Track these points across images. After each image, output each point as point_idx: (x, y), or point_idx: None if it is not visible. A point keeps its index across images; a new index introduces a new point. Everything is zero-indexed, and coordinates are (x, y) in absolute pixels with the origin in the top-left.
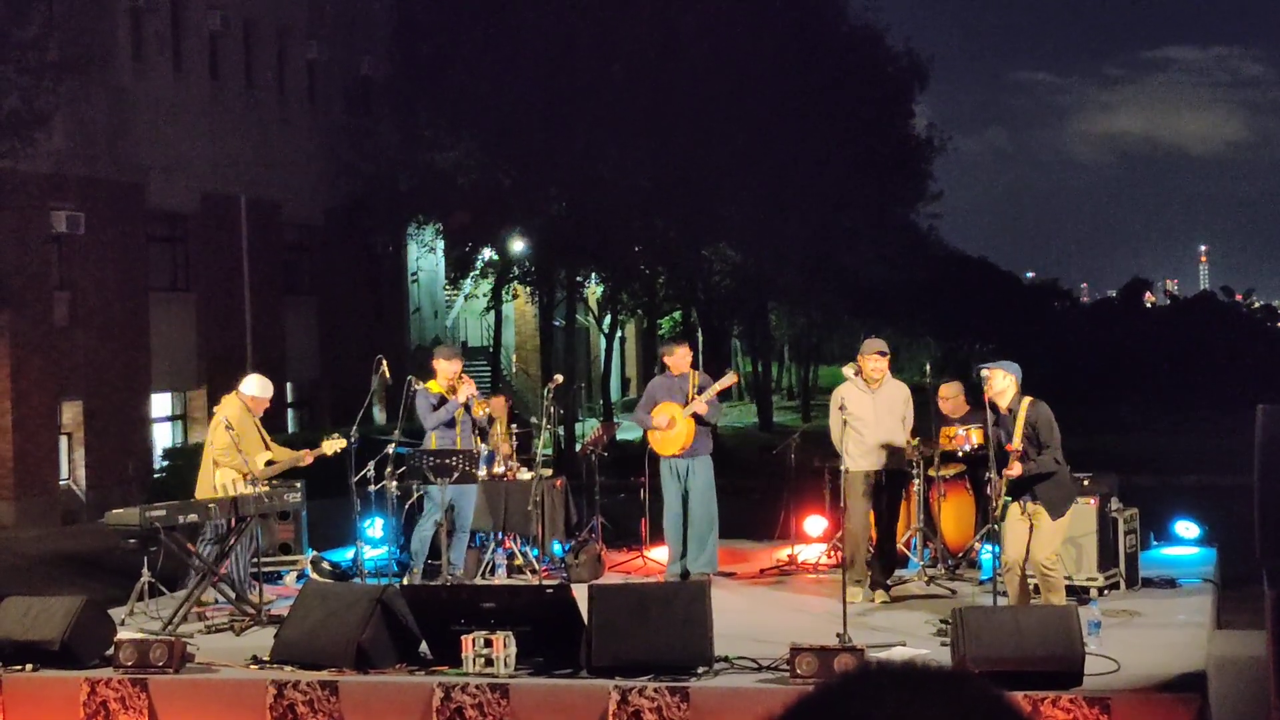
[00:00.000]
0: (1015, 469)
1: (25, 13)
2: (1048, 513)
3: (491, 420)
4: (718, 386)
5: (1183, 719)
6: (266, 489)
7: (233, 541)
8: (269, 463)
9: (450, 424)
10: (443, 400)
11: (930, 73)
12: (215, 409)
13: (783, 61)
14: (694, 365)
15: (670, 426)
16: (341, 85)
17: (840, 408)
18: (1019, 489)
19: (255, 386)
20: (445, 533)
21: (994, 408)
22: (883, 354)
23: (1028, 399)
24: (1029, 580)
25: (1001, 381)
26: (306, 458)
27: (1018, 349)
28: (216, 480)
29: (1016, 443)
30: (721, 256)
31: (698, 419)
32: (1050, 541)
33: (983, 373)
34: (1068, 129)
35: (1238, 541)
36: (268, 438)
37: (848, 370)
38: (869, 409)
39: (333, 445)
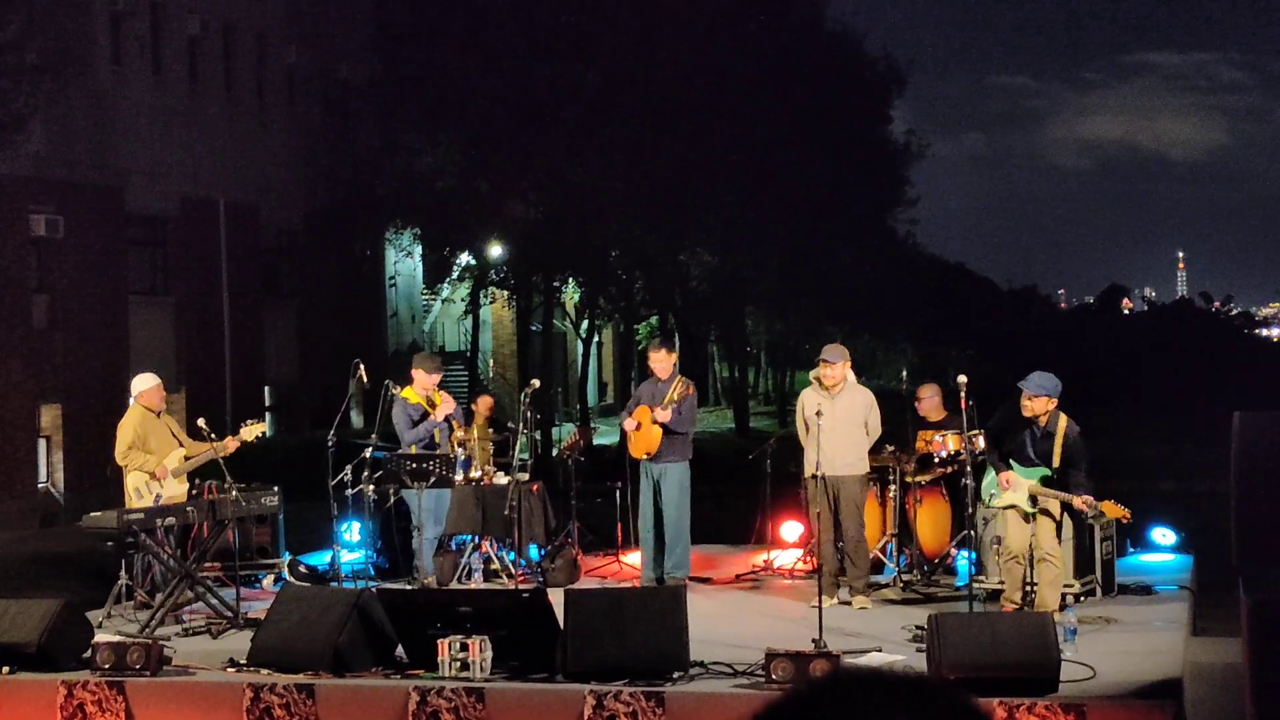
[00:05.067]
0: (1089, 500)
1: (3, 15)
2: (1067, 526)
3: (470, 416)
4: (676, 395)
5: None
6: (181, 488)
7: (212, 544)
8: (186, 458)
9: (430, 441)
10: (424, 415)
11: (908, 78)
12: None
13: (760, 67)
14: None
15: (638, 429)
16: (320, 90)
17: (817, 414)
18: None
19: (142, 383)
20: (422, 537)
21: (1028, 421)
22: (829, 361)
23: (1064, 417)
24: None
25: (1043, 406)
26: (230, 445)
27: (994, 355)
28: (128, 486)
29: (1057, 457)
30: (699, 261)
31: (664, 427)
32: (1054, 533)
33: (1027, 397)
34: (1045, 134)
35: (1214, 548)
36: (182, 434)
37: (812, 375)
38: (827, 415)
39: (252, 430)
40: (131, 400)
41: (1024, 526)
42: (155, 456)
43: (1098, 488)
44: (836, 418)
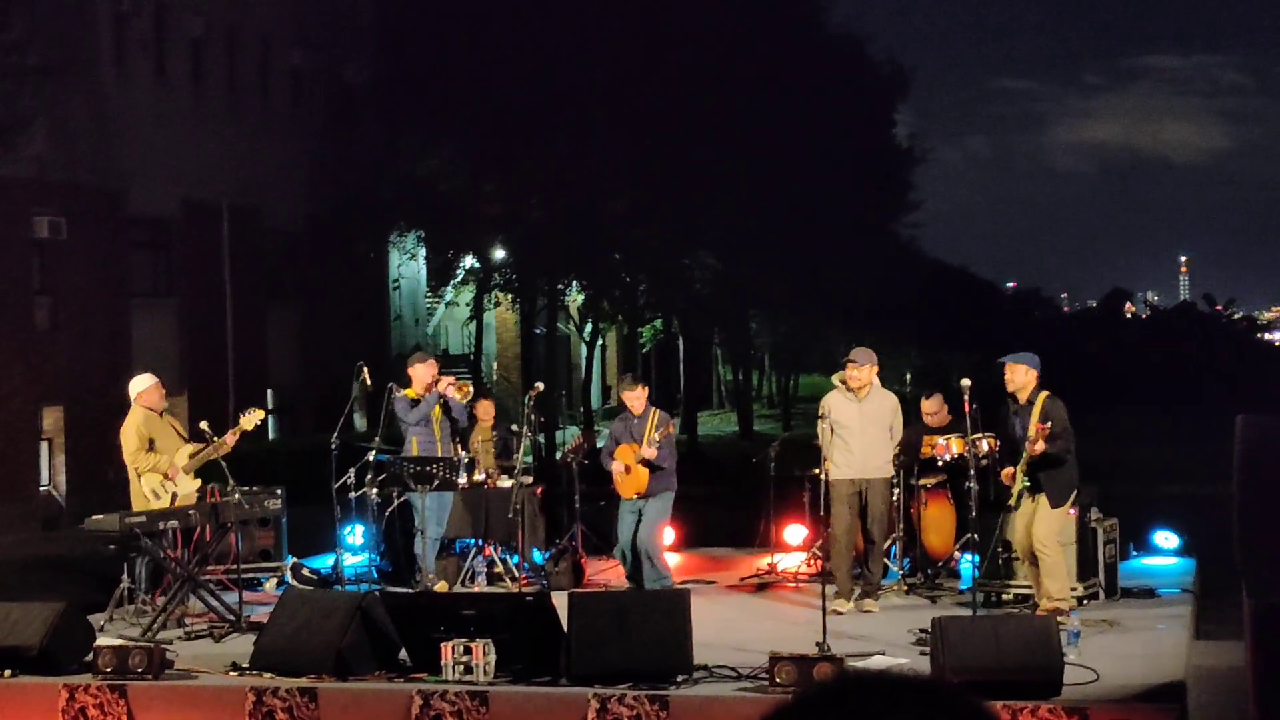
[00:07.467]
0: (1040, 445)
1: (6, 17)
2: (1048, 500)
3: (473, 420)
4: (658, 434)
5: None
6: (193, 485)
7: (214, 547)
8: (191, 455)
9: (430, 429)
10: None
11: (911, 82)
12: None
13: (764, 71)
14: (653, 401)
15: (627, 472)
16: (324, 92)
17: (823, 415)
18: (1034, 477)
19: (140, 384)
20: (426, 540)
21: (1014, 398)
22: (856, 363)
23: (1045, 393)
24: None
25: (1023, 377)
26: (230, 439)
27: (998, 359)
28: (144, 489)
29: (1034, 429)
30: (702, 264)
31: (649, 464)
32: (1050, 523)
33: (1005, 365)
34: (1048, 138)
35: (1217, 552)
36: (184, 432)
37: (836, 379)
38: (854, 418)
39: (251, 419)
40: (131, 402)
41: (1023, 524)
42: (165, 456)
43: (1101, 491)
44: (866, 420)
